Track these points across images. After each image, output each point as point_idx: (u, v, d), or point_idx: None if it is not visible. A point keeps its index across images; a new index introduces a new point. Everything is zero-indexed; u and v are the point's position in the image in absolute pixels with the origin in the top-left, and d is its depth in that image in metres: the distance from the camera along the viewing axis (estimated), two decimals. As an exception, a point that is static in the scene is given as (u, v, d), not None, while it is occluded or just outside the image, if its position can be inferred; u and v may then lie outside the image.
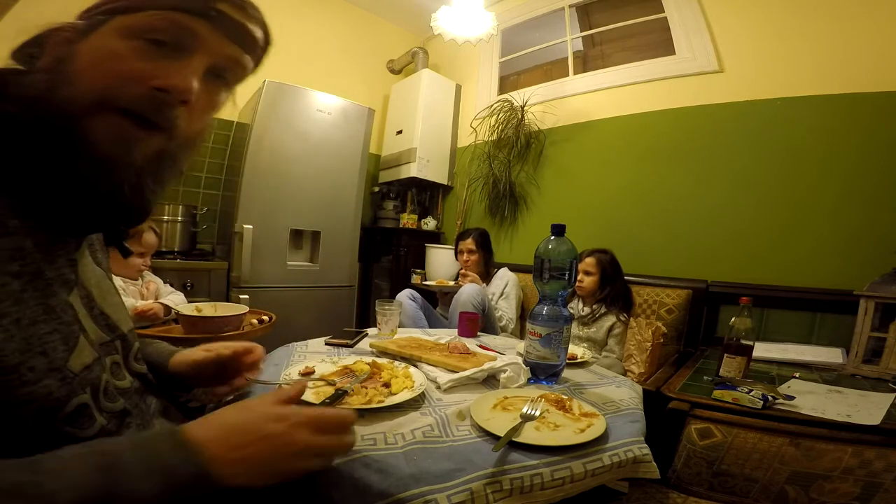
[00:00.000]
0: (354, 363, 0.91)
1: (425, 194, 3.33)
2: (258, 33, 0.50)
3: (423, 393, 0.79)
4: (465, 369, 0.91)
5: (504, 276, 2.19)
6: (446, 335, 1.33)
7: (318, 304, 2.49)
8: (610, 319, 1.79)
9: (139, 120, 0.42)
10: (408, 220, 3.07)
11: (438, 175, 3.11)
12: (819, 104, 1.78)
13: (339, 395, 0.70)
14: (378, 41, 3.36)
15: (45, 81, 0.41)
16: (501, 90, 3.00)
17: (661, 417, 1.06)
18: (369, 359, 0.95)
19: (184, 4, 0.43)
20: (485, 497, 0.54)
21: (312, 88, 2.42)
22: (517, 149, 2.69)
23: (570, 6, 2.68)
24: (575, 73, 2.65)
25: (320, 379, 0.81)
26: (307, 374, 0.84)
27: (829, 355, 1.50)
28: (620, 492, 0.69)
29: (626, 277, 1.89)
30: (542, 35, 2.85)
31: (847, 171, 1.71)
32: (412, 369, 0.91)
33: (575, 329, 1.81)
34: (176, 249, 2.24)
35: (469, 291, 1.86)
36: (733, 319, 1.28)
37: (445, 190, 3.25)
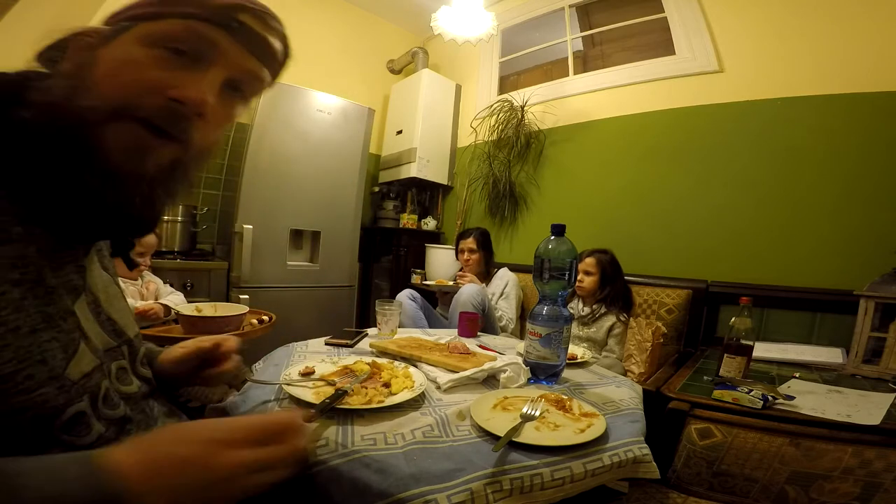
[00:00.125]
0: (354, 363, 0.91)
1: (425, 194, 3.33)
2: (278, 45, 0.50)
3: (423, 393, 0.79)
4: (465, 369, 0.91)
5: (504, 276, 2.19)
6: (446, 335, 1.33)
7: (318, 304, 2.49)
8: (610, 319, 1.79)
9: (155, 130, 0.42)
10: (408, 220, 3.07)
11: (438, 175, 3.11)
12: (819, 104, 1.78)
13: (339, 395, 0.70)
14: (378, 41, 3.36)
15: (63, 88, 0.41)
16: (501, 90, 3.00)
17: (661, 417, 1.06)
18: (369, 359, 0.95)
19: (206, 14, 0.43)
20: (485, 497, 0.54)
21: (312, 88, 2.42)
22: (517, 149, 2.69)
23: (570, 6, 2.68)
24: (575, 73, 2.65)
25: (320, 379, 0.81)
26: (307, 374, 0.84)
27: (829, 355, 1.50)
28: (620, 492, 0.69)
29: (626, 277, 1.89)
30: (542, 35, 2.85)
31: (847, 171, 1.71)
32: (412, 369, 0.91)
33: (575, 329, 1.80)
34: (176, 249, 2.24)
35: (469, 291, 1.86)
36: (733, 319, 1.28)
37: (445, 190, 3.25)
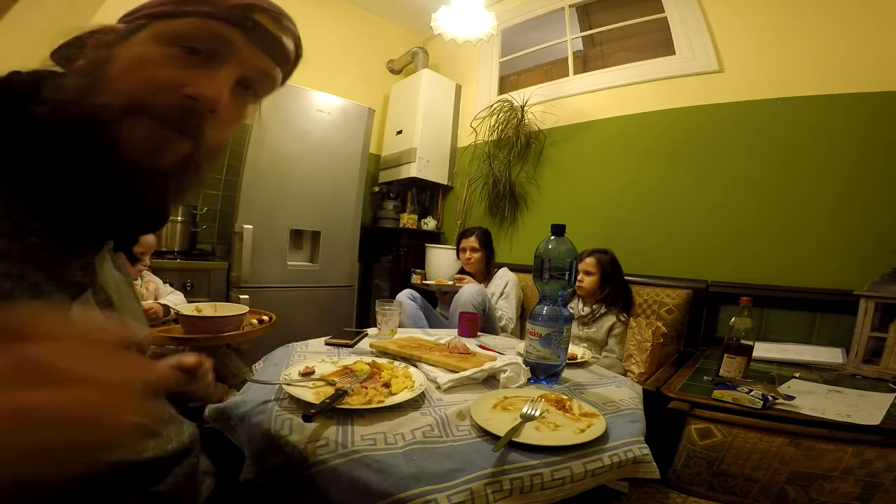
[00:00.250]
0: (354, 363, 0.91)
1: (425, 194, 3.33)
2: (290, 46, 0.50)
3: (423, 393, 0.79)
4: (465, 369, 0.91)
5: (504, 276, 2.19)
6: (446, 335, 1.33)
7: (318, 304, 2.49)
8: (610, 319, 1.79)
9: (169, 126, 0.43)
10: (408, 220, 3.07)
11: (438, 175, 3.11)
12: (819, 104, 1.78)
13: (339, 395, 0.70)
14: (378, 41, 3.36)
15: (78, 85, 0.41)
16: (501, 90, 3.00)
17: (661, 417, 1.06)
18: (369, 359, 0.95)
19: (221, 13, 0.44)
20: (485, 497, 0.54)
21: (312, 88, 2.42)
22: (517, 149, 2.69)
23: (570, 6, 2.68)
24: (575, 73, 2.65)
25: (320, 379, 0.81)
26: (307, 374, 0.84)
27: (829, 355, 1.50)
28: (620, 492, 0.69)
29: (626, 277, 1.90)
30: (542, 35, 2.85)
31: (847, 171, 1.71)
32: (412, 369, 0.91)
33: (575, 329, 1.81)
34: (176, 249, 2.24)
35: (469, 291, 1.86)
36: (733, 319, 1.28)
37: (445, 190, 3.25)
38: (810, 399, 1.09)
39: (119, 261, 0.55)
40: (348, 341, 1.16)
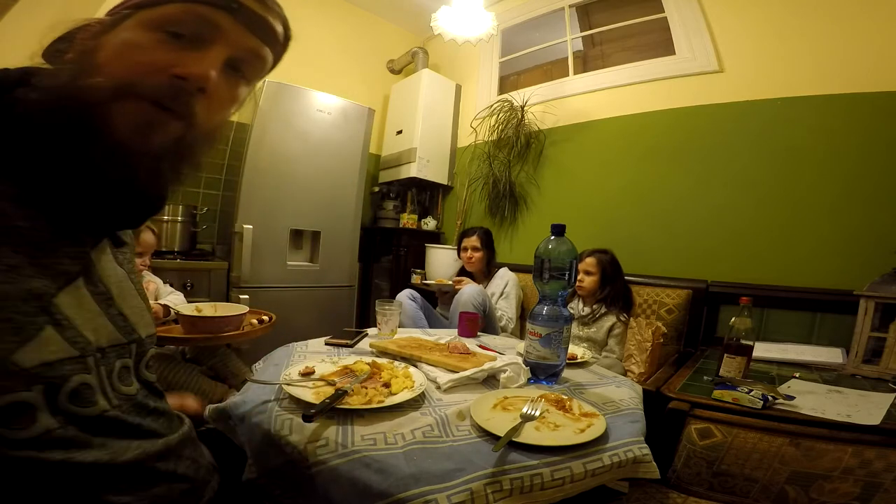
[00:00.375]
0: (354, 363, 0.91)
1: (425, 194, 3.33)
2: (279, 28, 0.51)
3: (423, 393, 0.79)
4: (465, 369, 0.91)
5: (504, 276, 2.19)
6: (446, 335, 1.33)
7: (318, 304, 2.49)
8: (610, 319, 1.79)
9: (159, 106, 0.43)
10: (408, 220, 3.07)
11: (438, 175, 3.11)
12: (819, 104, 1.78)
13: (339, 395, 0.70)
14: (378, 41, 3.36)
15: (69, 71, 0.42)
16: (501, 90, 3.00)
17: (661, 417, 1.06)
18: (369, 359, 0.95)
19: None
20: (485, 497, 0.54)
21: (312, 88, 2.42)
22: (517, 149, 2.69)
23: (570, 6, 2.68)
24: (575, 73, 2.65)
25: (320, 379, 0.81)
26: (307, 374, 0.84)
27: (829, 355, 1.50)
28: (620, 492, 0.69)
29: (626, 277, 1.90)
30: (542, 35, 2.85)
31: (847, 171, 1.71)
32: (412, 369, 0.91)
33: (575, 329, 1.81)
34: (176, 249, 2.24)
35: (470, 292, 1.86)
36: (733, 319, 1.28)
37: (445, 190, 3.25)
38: (810, 399, 1.09)
39: (122, 257, 0.55)
40: (348, 341, 1.16)
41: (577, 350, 1.21)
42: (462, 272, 2.31)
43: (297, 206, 2.38)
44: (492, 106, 2.80)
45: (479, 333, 1.43)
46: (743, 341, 1.26)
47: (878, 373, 1.33)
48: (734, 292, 1.77)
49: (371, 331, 1.28)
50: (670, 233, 2.14)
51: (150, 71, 0.42)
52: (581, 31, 2.71)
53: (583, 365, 1.15)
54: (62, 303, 0.42)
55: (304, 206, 2.40)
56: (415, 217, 3.11)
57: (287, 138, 2.31)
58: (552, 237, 0.97)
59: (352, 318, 2.66)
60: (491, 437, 0.66)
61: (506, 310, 2.07)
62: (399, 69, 3.43)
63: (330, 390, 0.74)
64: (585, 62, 2.75)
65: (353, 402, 0.71)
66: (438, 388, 0.85)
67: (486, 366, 0.93)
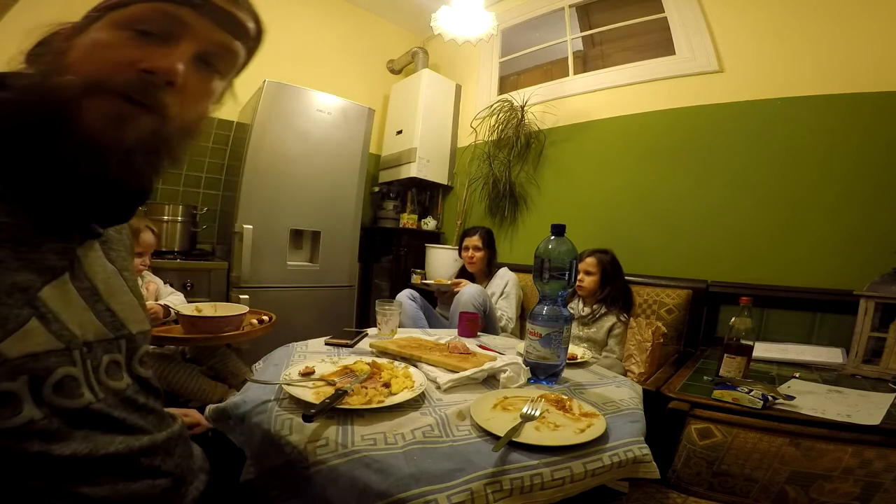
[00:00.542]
0: (354, 363, 0.91)
1: (425, 194, 3.33)
2: (249, 23, 0.52)
3: (423, 393, 0.79)
4: (465, 369, 0.91)
5: (504, 276, 2.19)
6: (446, 335, 1.33)
7: (318, 304, 2.49)
8: (610, 320, 1.79)
9: (129, 100, 0.44)
10: (408, 220, 3.07)
11: (438, 175, 3.11)
12: (819, 104, 1.78)
13: (339, 395, 0.70)
14: (378, 41, 3.36)
15: (41, 72, 0.44)
16: (501, 90, 3.00)
17: (661, 417, 1.06)
18: (369, 359, 0.95)
19: None
20: (485, 497, 0.54)
21: (312, 88, 2.42)
22: (517, 149, 2.69)
23: (570, 6, 2.68)
24: (575, 73, 2.65)
25: (320, 379, 0.81)
26: (307, 374, 0.84)
27: (829, 355, 1.50)
28: (620, 492, 0.69)
29: (626, 277, 1.90)
30: (542, 35, 2.85)
31: (847, 171, 1.71)
32: (412, 369, 0.91)
33: (575, 329, 1.80)
34: (176, 249, 2.24)
35: (470, 292, 1.86)
36: (733, 319, 1.28)
37: (445, 190, 3.25)
38: (810, 399, 1.09)
39: (114, 254, 0.55)
40: (348, 341, 1.16)
41: (577, 350, 1.21)
42: (462, 272, 2.31)
43: (297, 206, 2.38)
44: (492, 106, 2.80)
45: (479, 333, 1.43)
46: (743, 341, 1.26)
47: (878, 373, 1.33)
48: (734, 292, 1.77)
49: (371, 331, 1.28)
50: (670, 233, 2.14)
51: (119, 67, 0.43)
52: (581, 31, 2.71)
53: (583, 365, 1.15)
54: (47, 297, 0.43)
55: (304, 206, 2.40)
56: (415, 217, 3.11)
57: (287, 138, 2.31)
58: (552, 237, 0.97)
59: (352, 318, 2.66)
60: (491, 437, 0.66)
61: (506, 310, 2.07)
62: (399, 69, 3.43)
63: (330, 390, 0.74)
64: (585, 62, 2.75)
65: (353, 402, 0.71)
66: (438, 388, 0.85)
67: (486, 366, 0.93)
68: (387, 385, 0.80)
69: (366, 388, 0.76)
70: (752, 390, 1.06)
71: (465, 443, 0.65)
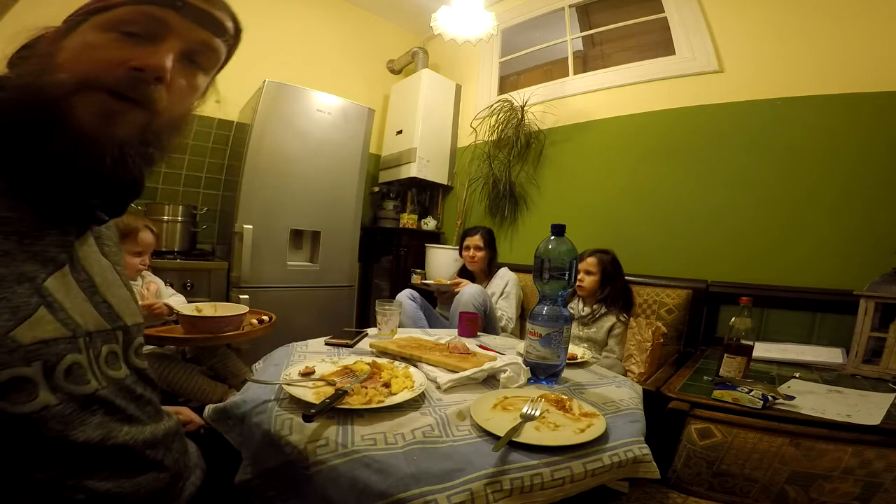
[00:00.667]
0: (354, 363, 0.91)
1: (425, 194, 3.33)
2: (227, 22, 0.55)
3: (423, 393, 0.79)
4: (465, 369, 0.91)
5: (504, 276, 2.19)
6: (446, 335, 1.33)
7: (318, 304, 2.49)
8: (610, 320, 1.79)
9: (119, 96, 0.46)
10: (408, 220, 3.07)
11: (438, 175, 3.11)
12: (819, 104, 1.78)
13: (339, 395, 0.70)
14: (378, 41, 3.36)
15: (33, 72, 0.45)
16: (501, 90, 3.00)
17: (661, 417, 1.06)
18: (369, 359, 0.95)
19: None
20: (485, 497, 0.54)
21: (312, 88, 2.42)
22: (517, 149, 2.69)
23: (570, 6, 2.68)
24: (575, 73, 2.65)
25: (320, 379, 0.81)
26: (307, 374, 0.84)
27: (829, 355, 1.50)
28: (620, 492, 0.69)
29: (626, 277, 1.89)
30: (542, 35, 2.85)
31: (847, 171, 1.71)
32: (412, 369, 0.91)
33: (575, 329, 1.80)
34: (176, 249, 2.24)
35: (471, 292, 1.86)
36: (733, 319, 1.28)
37: (445, 190, 3.24)
38: (810, 399, 1.09)
39: (107, 249, 0.57)
40: (348, 341, 1.16)
41: (577, 350, 1.21)
42: (463, 271, 2.31)
43: (297, 206, 2.38)
44: (492, 106, 2.80)
45: (479, 333, 1.43)
46: (743, 341, 1.26)
47: (878, 373, 1.33)
48: (734, 292, 1.77)
49: (371, 331, 1.28)
50: (670, 233, 2.14)
51: (109, 66, 0.45)
52: (581, 31, 2.71)
53: (583, 365, 1.15)
54: (52, 287, 0.45)
55: (304, 206, 2.40)
56: (415, 217, 3.11)
57: (287, 138, 2.31)
58: (552, 237, 0.97)
59: (352, 318, 2.66)
60: (491, 437, 0.66)
61: (506, 310, 2.07)
62: (399, 69, 3.43)
63: (330, 390, 0.74)
64: (585, 62, 2.75)
65: (353, 402, 0.71)
66: (438, 388, 0.85)
67: (486, 366, 0.93)
68: (387, 385, 0.80)
69: (366, 388, 0.76)
70: (752, 390, 1.05)
71: (465, 443, 0.65)
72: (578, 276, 1.83)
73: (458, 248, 2.41)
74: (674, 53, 2.20)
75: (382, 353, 1.06)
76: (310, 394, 0.74)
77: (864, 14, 1.69)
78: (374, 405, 0.71)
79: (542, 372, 0.95)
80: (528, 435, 0.66)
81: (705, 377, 1.29)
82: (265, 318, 1.53)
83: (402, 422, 0.69)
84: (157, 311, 1.40)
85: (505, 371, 0.91)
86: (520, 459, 0.60)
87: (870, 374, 1.34)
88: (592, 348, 1.74)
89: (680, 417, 1.06)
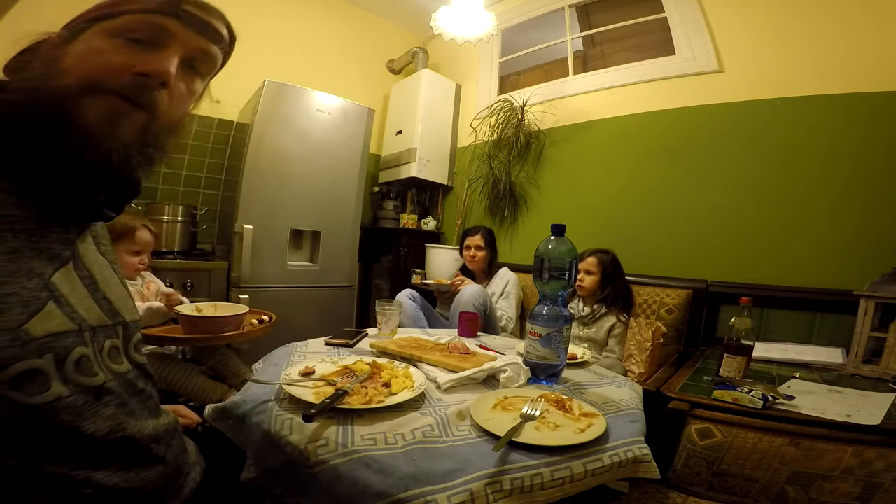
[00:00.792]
0: (354, 363, 0.91)
1: (425, 194, 3.33)
2: (223, 30, 0.57)
3: (423, 393, 0.79)
4: (465, 369, 0.91)
5: (504, 276, 2.19)
6: (446, 335, 1.33)
7: (318, 304, 2.49)
8: (610, 320, 1.79)
9: (125, 99, 0.48)
10: (408, 220, 3.07)
11: (438, 175, 3.11)
12: (819, 104, 1.78)
13: (339, 395, 0.70)
14: (378, 41, 3.36)
15: (39, 76, 0.47)
16: (501, 90, 3.00)
17: (661, 417, 1.06)
18: (369, 359, 0.95)
19: (156, 8, 0.50)
20: (485, 497, 0.54)
21: (312, 88, 2.42)
22: (517, 149, 2.69)
23: (570, 6, 2.68)
24: (575, 73, 2.65)
25: (320, 379, 0.81)
26: (307, 374, 0.84)
27: (829, 355, 1.50)
28: (620, 492, 0.69)
29: (626, 277, 1.89)
30: (542, 35, 2.85)
31: (847, 171, 1.71)
32: (412, 369, 0.91)
33: (575, 329, 1.80)
34: (176, 249, 2.24)
35: (471, 292, 1.86)
36: (733, 319, 1.28)
37: (445, 190, 3.25)
38: (810, 399, 1.09)
39: (103, 247, 0.59)
40: (348, 341, 1.16)
41: (577, 350, 1.21)
42: (463, 270, 2.31)
43: (297, 206, 2.38)
44: (492, 106, 2.80)
45: (479, 333, 1.43)
46: (743, 341, 1.26)
47: (878, 373, 1.33)
48: (734, 292, 1.77)
49: (371, 331, 1.28)
50: (670, 233, 2.14)
51: (115, 71, 0.47)
52: (581, 31, 2.71)
53: (583, 365, 1.15)
54: (58, 282, 0.47)
55: (304, 206, 2.40)
56: (415, 217, 3.11)
57: (287, 138, 2.31)
58: (552, 237, 0.97)
59: (352, 318, 2.66)
60: (491, 437, 0.66)
61: (506, 310, 2.07)
62: (399, 69, 3.43)
63: (330, 390, 0.74)
64: (585, 62, 2.75)
65: (353, 402, 0.71)
66: (438, 388, 0.85)
67: (486, 366, 0.93)
68: (387, 385, 0.80)
69: (366, 388, 0.76)
70: (752, 390, 1.06)
71: (465, 443, 0.65)
72: (578, 276, 1.83)
73: (458, 248, 2.41)
74: (674, 53, 2.20)
75: (382, 353, 1.06)
76: (310, 394, 0.74)
77: (864, 14, 1.69)
78: (374, 405, 0.71)
79: (542, 372, 0.95)
80: (528, 435, 0.66)
81: (705, 377, 1.29)
82: (265, 318, 1.53)
83: (402, 422, 0.69)
84: (175, 300, 1.40)
85: (505, 371, 0.91)
86: (520, 459, 0.60)
87: (870, 374, 1.34)
88: (592, 348, 1.74)
89: (680, 417, 1.06)
